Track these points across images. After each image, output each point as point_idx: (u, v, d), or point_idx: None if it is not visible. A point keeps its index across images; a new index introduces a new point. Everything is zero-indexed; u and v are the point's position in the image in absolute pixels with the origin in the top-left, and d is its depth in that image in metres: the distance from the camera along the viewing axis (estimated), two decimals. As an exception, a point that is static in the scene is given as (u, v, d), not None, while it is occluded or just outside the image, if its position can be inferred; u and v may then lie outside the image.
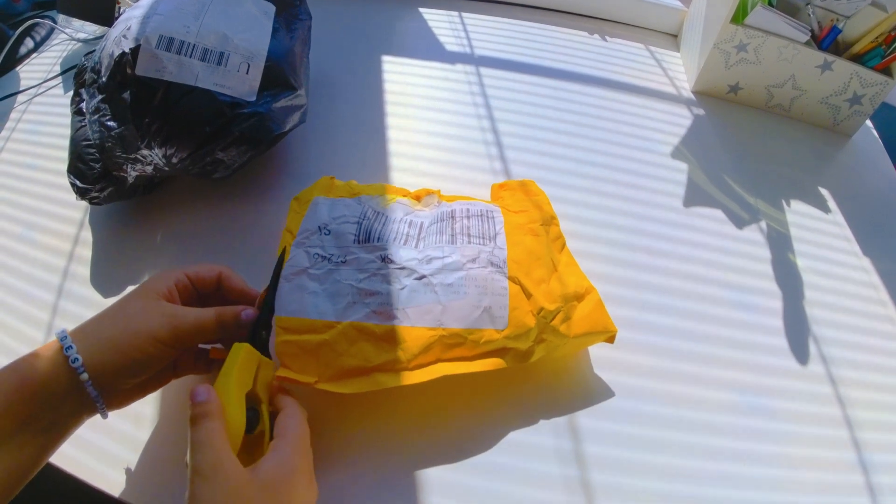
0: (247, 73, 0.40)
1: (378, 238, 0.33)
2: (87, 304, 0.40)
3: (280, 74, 0.41)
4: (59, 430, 0.26)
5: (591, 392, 0.35)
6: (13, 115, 0.55)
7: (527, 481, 0.31)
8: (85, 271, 0.42)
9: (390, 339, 0.30)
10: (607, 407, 0.34)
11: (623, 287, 0.41)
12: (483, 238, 0.34)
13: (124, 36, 0.39)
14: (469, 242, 0.33)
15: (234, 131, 0.38)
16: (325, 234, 0.33)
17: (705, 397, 0.36)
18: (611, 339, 0.34)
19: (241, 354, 0.27)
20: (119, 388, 0.27)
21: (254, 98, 0.40)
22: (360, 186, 0.38)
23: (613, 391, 0.35)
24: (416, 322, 0.30)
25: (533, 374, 0.34)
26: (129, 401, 0.29)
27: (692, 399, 0.36)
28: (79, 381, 0.25)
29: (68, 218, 0.45)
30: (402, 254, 0.32)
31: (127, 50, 0.38)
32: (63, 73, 0.58)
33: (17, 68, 0.60)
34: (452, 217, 0.35)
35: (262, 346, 0.29)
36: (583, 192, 0.46)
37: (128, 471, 0.31)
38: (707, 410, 0.35)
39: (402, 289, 0.31)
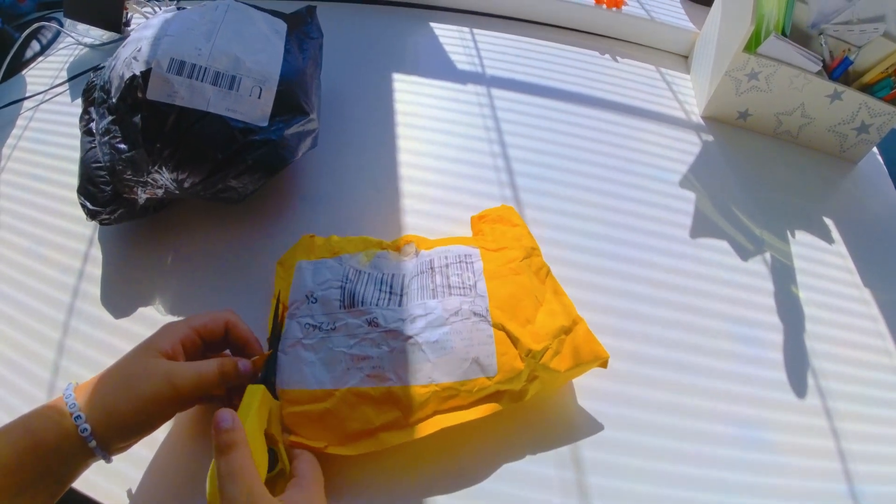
0: (259, 97, 0.40)
1: (362, 301, 0.34)
2: (98, 325, 0.40)
3: (293, 98, 0.41)
4: (68, 479, 0.28)
5: (583, 425, 0.36)
6: (20, 121, 0.55)
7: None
8: (96, 290, 0.42)
9: (387, 400, 0.31)
10: (604, 439, 0.35)
11: (625, 319, 0.41)
12: (463, 288, 0.34)
13: (135, 58, 0.39)
14: (450, 294, 0.34)
15: (248, 159, 0.38)
16: (312, 302, 0.34)
17: (705, 430, 0.37)
18: (604, 365, 0.34)
19: (259, 395, 0.29)
20: (121, 442, 0.28)
21: (266, 123, 0.40)
22: (339, 242, 0.39)
23: (611, 424, 0.36)
24: (408, 381, 0.31)
25: (527, 408, 0.35)
26: (133, 444, 0.30)
27: (692, 432, 0.36)
28: (87, 447, 0.27)
29: (77, 234, 0.45)
30: (387, 315, 0.33)
31: (138, 73, 0.38)
32: (70, 79, 0.57)
33: (23, 72, 0.60)
34: (432, 268, 0.36)
35: (273, 391, 0.31)
36: (588, 220, 0.46)
37: (129, 493, 0.32)
38: (707, 443, 0.36)
39: (391, 351, 0.32)
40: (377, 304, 0.34)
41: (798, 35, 0.50)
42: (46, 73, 0.59)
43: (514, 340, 0.32)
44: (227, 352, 0.34)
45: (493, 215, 0.42)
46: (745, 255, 0.47)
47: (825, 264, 0.48)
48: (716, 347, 0.41)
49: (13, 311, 0.41)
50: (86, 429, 0.26)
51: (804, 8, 0.50)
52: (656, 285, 0.43)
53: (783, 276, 0.46)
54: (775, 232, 0.49)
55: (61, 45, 0.62)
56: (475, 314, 0.33)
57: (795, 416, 0.39)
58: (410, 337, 0.32)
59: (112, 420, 0.27)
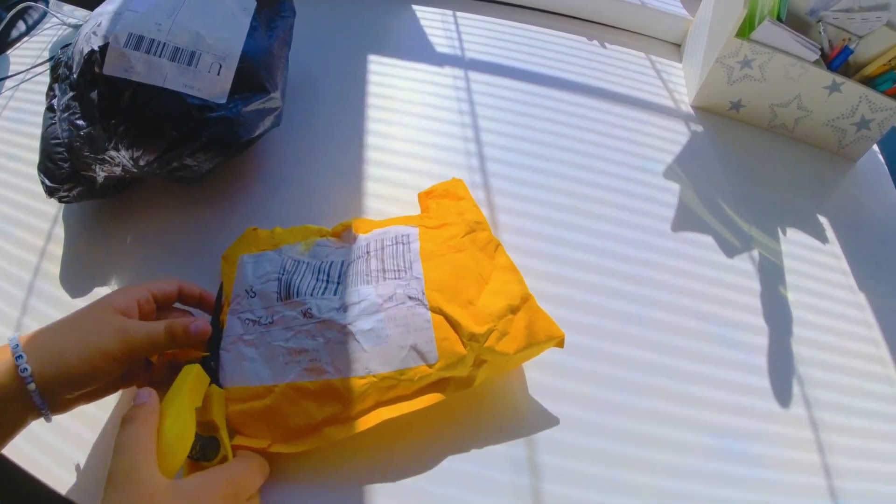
0: (218, 74, 0.38)
1: (297, 292, 0.32)
2: (55, 304, 0.40)
3: (254, 76, 0.40)
4: (5, 431, 0.27)
5: (537, 422, 0.34)
6: (0, 100, 0.55)
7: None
8: (56, 269, 0.41)
9: (327, 393, 0.30)
10: (561, 442, 0.33)
11: (596, 316, 0.39)
12: (398, 270, 0.33)
13: (94, 33, 0.38)
14: (384, 279, 0.32)
15: (202, 137, 0.37)
16: (251, 296, 0.33)
17: (679, 439, 0.34)
18: (560, 344, 0.32)
19: (192, 374, 0.28)
20: (65, 396, 0.28)
21: (224, 100, 0.38)
22: (282, 234, 0.37)
23: (569, 425, 0.34)
24: (345, 373, 0.30)
25: (476, 400, 0.33)
26: (75, 406, 0.30)
27: (665, 441, 0.34)
28: (26, 390, 0.26)
29: (43, 213, 0.45)
30: (321, 304, 0.32)
31: (96, 48, 0.37)
32: (50, 59, 0.57)
33: (8, 52, 0.60)
34: (368, 252, 0.34)
35: (213, 376, 0.30)
36: (562, 210, 0.44)
37: (77, 467, 0.32)
38: (681, 453, 0.34)
39: (327, 342, 0.31)
40: (311, 294, 0.32)
41: (795, 22, 0.48)
42: (30, 52, 0.59)
43: (454, 324, 0.31)
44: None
45: (440, 190, 0.40)
46: (730, 251, 0.44)
47: (817, 265, 0.46)
48: (694, 350, 0.39)
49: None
50: (26, 368, 0.25)
51: (802, -7, 0.47)
52: (633, 281, 0.41)
53: (771, 276, 0.44)
54: (765, 229, 0.46)
55: (47, 26, 0.62)
56: (410, 298, 0.31)
57: (778, 426, 0.36)
58: (344, 326, 0.31)
59: (57, 366, 0.26)
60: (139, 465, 0.23)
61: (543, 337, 0.32)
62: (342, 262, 0.34)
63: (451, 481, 0.31)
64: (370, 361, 0.30)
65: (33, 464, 0.31)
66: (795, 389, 0.38)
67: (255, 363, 0.31)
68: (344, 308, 0.31)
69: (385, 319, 0.31)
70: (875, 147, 0.54)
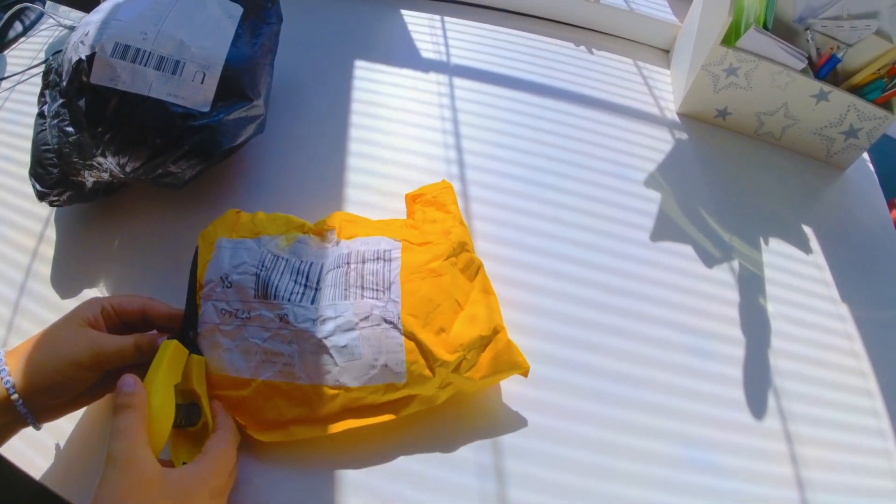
0: (202, 82, 0.39)
1: (275, 294, 0.33)
2: (46, 304, 0.41)
3: (237, 84, 0.40)
4: None
5: (506, 426, 0.35)
6: (-5, 101, 0.56)
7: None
8: (47, 270, 0.43)
9: (298, 396, 0.31)
10: (529, 450, 0.34)
11: (567, 325, 0.39)
12: (377, 290, 0.33)
13: (82, 42, 0.38)
14: (363, 297, 0.33)
15: (185, 145, 0.38)
16: (227, 286, 0.34)
17: (646, 448, 0.35)
18: (524, 374, 0.34)
19: (169, 351, 0.30)
20: (47, 405, 0.30)
21: (207, 109, 0.39)
22: (263, 221, 0.38)
23: (538, 434, 0.34)
24: (317, 381, 0.31)
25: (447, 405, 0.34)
26: (61, 414, 0.32)
27: (631, 449, 0.35)
28: (11, 400, 0.28)
29: (35, 215, 0.46)
30: (298, 312, 0.33)
31: (83, 57, 0.38)
32: (45, 62, 0.58)
33: (5, 52, 0.61)
34: (348, 263, 0.35)
35: (192, 346, 0.32)
36: (542, 219, 0.44)
37: (57, 446, 0.34)
38: (646, 462, 0.34)
39: (301, 351, 0.32)
40: (289, 300, 0.33)
41: (783, 29, 0.47)
42: (26, 53, 0.60)
43: (426, 352, 0.31)
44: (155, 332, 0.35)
45: (429, 196, 0.40)
46: (709, 261, 0.44)
47: (799, 276, 0.46)
48: (669, 360, 0.39)
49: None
50: (8, 380, 0.28)
51: (790, 1, 0.46)
52: (608, 290, 0.41)
53: (751, 287, 0.44)
54: (747, 238, 0.46)
55: (43, 27, 0.63)
56: (386, 321, 0.32)
57: (751, 438, 0.37)
58: (319, 339, 0.32)
59: (36, 378, 0.28)
60: (137, 449, 0.25)
61: (507, 367, 0.33)
62: (321, 266, 0.35)
63: (408, 480, 0.33)
64: (341, 375, 0.31)
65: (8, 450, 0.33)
66: (771, 402, 0.39)
67: (232, 354, 0.32)
68: (321, 321, 0.32)
69: (359, 338, 0.32)
70: (865, 156, 0.53)
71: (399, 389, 0.31)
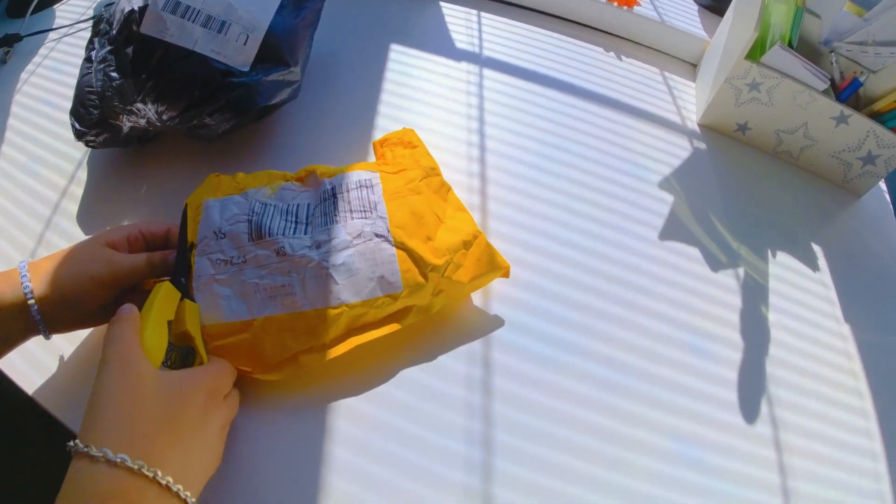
0: (244, 44, 0.41)
1: (269, 232, 0.35)
2: (69, 239, 0.42)
3: (277, 50, 0.42)
4: (9, 342, 0.31)
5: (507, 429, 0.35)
6: (42, 50, 0.58)
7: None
8: (74, 208, 0.44)
9: (302, 325, 0.32)
10: (521, 425, 0.35)
11: (571, 308, 0.40)
12: (364, 210, 0.36)
13: (136, -7, 0.41)
14: (352, 218, 0.35)
15: (223, 99, 0.40)
16: (220, 238, 0.35)
17: (638, 438, 0.35)
18: (505, 274, 0.37)
19: (162, 290, 0.31)
20: (60, 318, 0.31)
21: (247, 69, 0.41)
22: (245, 178, 0.39)
23: (531, 411, 0.35)
24: (319, 304, 0.33)
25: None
26: (70, 329, 0.34)
27: (619, 436, 0.35)
28: (27, 305, 0.29)
29: (70, 156, 0.48)
30: (294, 243, 0.34)
31: (136, 7, 0.40)
32: (93, 17, 0.60)
33: (55, 6, 0.64)
34: (333, 195, 0.37)
35: (184, 291, 0.32)
36: (554, 206, 0.46)
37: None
38: (635, 451, 0.35)
39: (301, 278, 0.33)
40: (283, 234, 0.35)
41: (808, 50, 0.48)
42: (76, 9, 0.63)
43: (416, 258, 0.34)
44: None
45: (394, 139, 0.43)
46: (715, 265, 0.45)
47: (804, 290, 0.46)
48: (665, 355, 0.39)
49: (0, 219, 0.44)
50: (28, 286, 0.30)
51: (817, 22, 0.48)
52: (611, 280, 0.42)
53: (754, 295, 0.44)
54: (754, 248, 0.47)
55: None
56: (377, 235, 0.34)
57: (741, 441, 0.37)
58: (317, 261, 0.33)
59: (53, 288, 0.30)
60: (130, 351, 0.26)
61: (490, 267, 0.36)
62: (308, 205, 0.37)
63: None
64: (342, 292, 0.33)
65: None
66: (764, 408, 0.39)
67: (230, 300, 0.33)
68: (316, 245, 0.34)
69: (355, 254, 0.34)
70: (882, 185, 0.54)
71: (397, 300, 0.33)
